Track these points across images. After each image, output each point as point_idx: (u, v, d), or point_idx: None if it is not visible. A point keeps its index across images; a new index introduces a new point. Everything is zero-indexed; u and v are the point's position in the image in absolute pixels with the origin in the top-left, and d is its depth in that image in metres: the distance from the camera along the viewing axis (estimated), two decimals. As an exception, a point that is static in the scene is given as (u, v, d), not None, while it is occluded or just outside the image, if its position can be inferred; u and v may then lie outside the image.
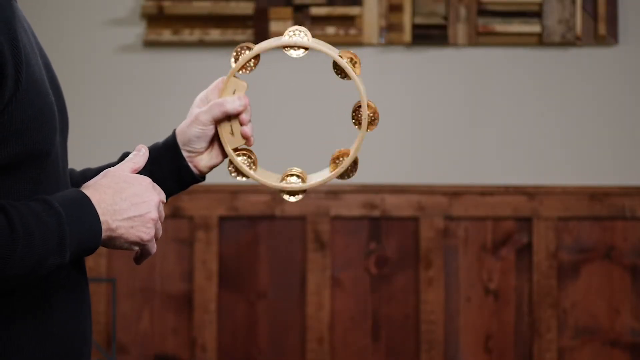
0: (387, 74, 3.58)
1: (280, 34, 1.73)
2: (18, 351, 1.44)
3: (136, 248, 1.49)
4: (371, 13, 3.58)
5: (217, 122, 1.73)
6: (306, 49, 1.70)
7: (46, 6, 3.60)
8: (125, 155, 1.71)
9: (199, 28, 3.58)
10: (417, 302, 3.56)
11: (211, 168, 1.78)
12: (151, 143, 1.76)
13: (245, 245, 3.58)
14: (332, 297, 3.56)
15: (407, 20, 3.57)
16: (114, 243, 1.47)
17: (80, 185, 1.49)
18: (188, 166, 1.75)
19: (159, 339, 3.57)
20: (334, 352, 3.56)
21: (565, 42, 3.56)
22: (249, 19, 3.58)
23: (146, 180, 1.50)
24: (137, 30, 3.60)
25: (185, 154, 1.75)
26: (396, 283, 3.57)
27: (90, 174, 1.70)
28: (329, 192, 3.56)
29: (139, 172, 1.53)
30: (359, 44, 3.57)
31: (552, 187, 3.57)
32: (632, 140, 3.58)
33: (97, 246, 1.44)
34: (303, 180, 1.75)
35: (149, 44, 3.60)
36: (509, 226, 3.57)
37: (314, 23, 3.57)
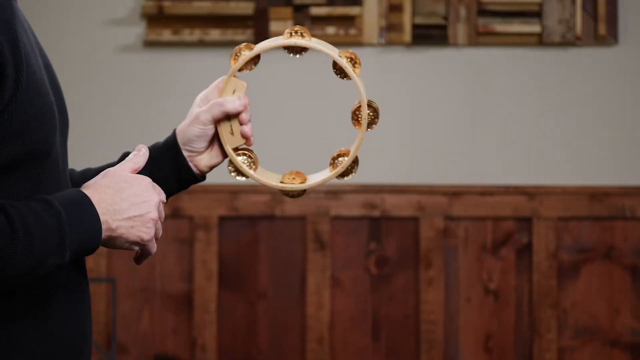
0: (387, 74, 3.58)
1: (280, 33, 1.73)
2: (18, 351, 1.44)
3: (136, 248, 1.49)
4: (371, 13, 3.58)
5: (217, 121, 1.73)
6: (306, 49, 1.70)
7: (46, 6, 3.60)
8: (125, 155, 1.71)
9: (199, 28, 3.58)
10: (417, 302, 3.56)
11: (211, 168, 1.78)
12: (151, 143, 1.76)
13: (245, 245, 3.58)
14: (332, 297, 3.56)
15: (407, 20, 3.57)
16: (114, 243, 1.47)
17: (80, 185, 1.49)
18: (188, 166, 1.75)
19: (159, 339, 3.57)
20: (334, 352, 3.56)
21: (565, 42, 3.56)
22: (249, 19, 3.58)
23: (146, 180, 1.50)
24: (137, 30, 3.60)
25: (185, 153, 1.75)
26: (396, 283, 3.57)
27: (91, 174, 1.70)
28: (329, 192, 3.56)
29: (139, 172, 1.53)
30: (359, 44, 3.57)
31: (552, 187, 3.57)
32: (632, 140, 3.58)
33: (97, 246, 1.44)
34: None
35: (149, 44, 3.60)
36: (509, 226, 3.57)
37: (314, 23, 3.57)
